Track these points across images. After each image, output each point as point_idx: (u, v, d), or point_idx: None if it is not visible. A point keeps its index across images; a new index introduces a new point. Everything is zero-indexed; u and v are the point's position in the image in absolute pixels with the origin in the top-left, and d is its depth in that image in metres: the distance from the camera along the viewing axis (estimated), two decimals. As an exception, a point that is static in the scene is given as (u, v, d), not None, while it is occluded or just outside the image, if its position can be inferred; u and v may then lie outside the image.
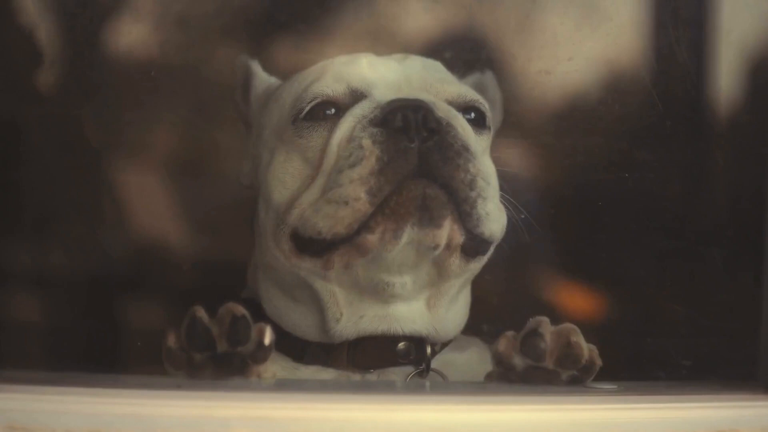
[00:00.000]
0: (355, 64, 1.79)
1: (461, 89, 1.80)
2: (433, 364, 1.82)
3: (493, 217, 1.72)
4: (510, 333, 1.73)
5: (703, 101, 2.02)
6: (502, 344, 1.72)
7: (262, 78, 1.93)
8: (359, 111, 1.73)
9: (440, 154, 1.68)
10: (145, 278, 2.07)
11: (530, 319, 1.72)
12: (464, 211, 1.69)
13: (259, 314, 1.80)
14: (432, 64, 1.84)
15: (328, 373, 1.81)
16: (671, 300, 2.02)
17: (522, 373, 1.72)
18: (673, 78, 1.99)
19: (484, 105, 1.81)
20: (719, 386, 1.76)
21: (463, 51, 1.99)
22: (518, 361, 1.71)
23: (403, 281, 1.76)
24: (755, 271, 1.80)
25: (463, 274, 1.80)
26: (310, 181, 1.75)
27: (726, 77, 1.99)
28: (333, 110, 1.75)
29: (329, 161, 1.73)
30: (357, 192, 1.67)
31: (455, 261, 1.75)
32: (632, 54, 2.03)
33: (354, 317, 1.78)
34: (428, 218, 1.68)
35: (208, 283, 2.05)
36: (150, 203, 2.07)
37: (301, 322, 1.81)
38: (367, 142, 1.68)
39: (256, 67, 1.94)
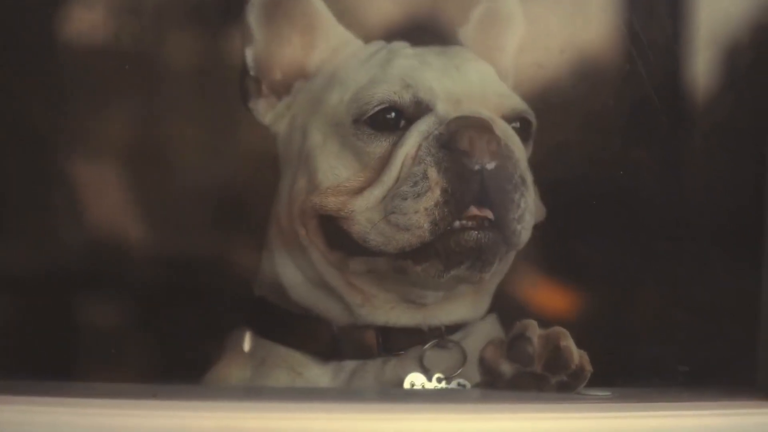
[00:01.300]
0: (421, 71, 1.78)
1: (514, 102, 1.80)
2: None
3: (528, 232, 1.75)
4: (496, 339, 1.72)
5: (686, 93, 1.99)
6: (489, 351, 1.71)
7: (334, 26, 1.88)
8: (425, 127, 1.73)
9: (499, 183, 1.70)
10: (103, 275, 2.02)
11: (517, 323, 1.71)
12: (511, 242, 1.72)
13: (286, 301, 1.82)
14: (486, 70, 1.84)
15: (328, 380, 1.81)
16: (667, 303, 1.98)
17: (510, 380, 1.70)
18: (663, 70, 1.95)
19: (532, 115, 1.82)
20: (717, 393, 1.73)
21: (428, 40, 1.92)
22: (506, 368, 1.69)
23: (436, 296, 1.79)
24: (754, 274, 1.77)
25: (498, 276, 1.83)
26: (365, 184, 1.75)
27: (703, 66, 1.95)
28: (393, 114, 1.74)
29: (391, 175, 1.72)
30: (421, 222, 1.68)
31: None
32: (618, 46, 1.97)
33: (384, 305, 1.79)
34: (480, 266, 1.71)
35: (172, 279, 2.01)
36: (106, 196, 2.02)
37: (325, 305, 1.81)
38: (432, 172, 1.69)
39: (328, 15, 1.88)
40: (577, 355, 1.67)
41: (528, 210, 1.72)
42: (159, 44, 2.03)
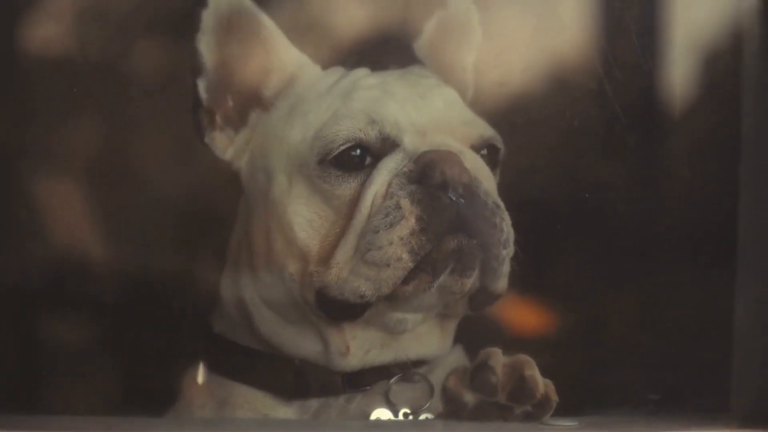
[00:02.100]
0: (385, 103, 1.74)
1: (481, 129, 1.77)
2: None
3: (507, 273, 1.72)
4: (460, 367, 1.68)
5: (661, 108, 1.95)
6: (452, 380, 1.67)
7: (288, 49, 1.82)
8: (393, 164, 1.70)
9: (477, 212, 1.67)
10: (65, 293, 1.96)
11: (481, 352, 1.67)
12: (491, 267, 1.69)
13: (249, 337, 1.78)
14: (450, 96, 1.80)
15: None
16: (637, 328, 1.94)
17: (474, 410, 1.66)
18: (632, 86, 1.91)
19: (500, 141, 1.78)
20: (690, 419, 1.71)
21: (399, 52, 1.89)
22: (469, 398, 1.66)
23: (416, 318, 1.75)
24: (728, 296, 1.75)
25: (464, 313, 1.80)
26: (340, 232, 1.70)
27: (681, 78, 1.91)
28: (359, 152, 1.70)
29: (361, 216, 1.68)
30: (398, 253, 1.65)
31: (461, 307, 1.75)
32: (588, 60, 1.94)
33: (360, 351, 1.76)
34: (461, 268, 1.67)
35: (135, 297, 1.95)
36: (69, 212, 1.96)
37: (299, 345, 1.77)
38: (405, 202, 1.66)
39: (281, 38, 1.82)
40: (542, 385, 1.63)
41: (511, 236, 1.70)
42: (123, 55, 1.98)
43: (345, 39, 1.94)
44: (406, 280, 1.66)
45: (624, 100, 1.90)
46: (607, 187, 1.92)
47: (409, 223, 1.65)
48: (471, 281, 1.68)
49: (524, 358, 1.64)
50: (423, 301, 1.70)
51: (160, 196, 1.95)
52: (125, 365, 1.96)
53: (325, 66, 1.83)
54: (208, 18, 1.76)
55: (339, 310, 1.71)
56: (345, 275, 1.68)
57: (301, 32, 1.87)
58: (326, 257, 1.70)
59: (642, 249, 1.92)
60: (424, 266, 1.65)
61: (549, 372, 1.66)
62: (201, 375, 1.81)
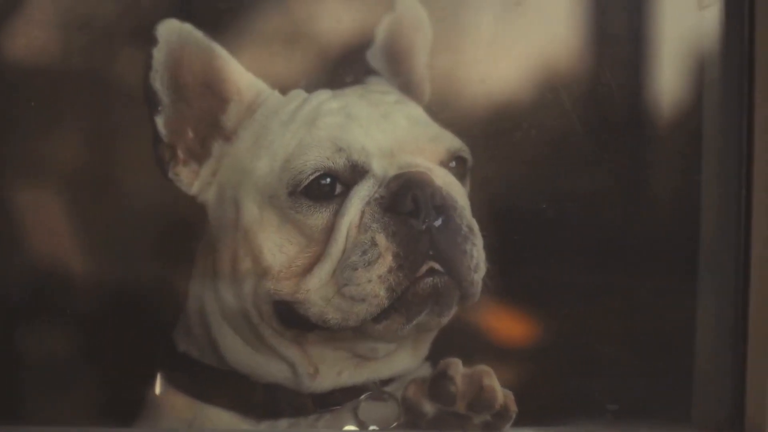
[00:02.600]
0: (350, 129, 1.73)
1: (448, 142, 1.76)
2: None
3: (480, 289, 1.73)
4: (419, 377, 1.69)
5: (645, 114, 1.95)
6: (411, 390, 1.68)
7: (244, 75, 1.80)
8: (365, 192, 1.68)
9: (448, 238, 1.67)
10: (45, 305, 1.91)
11: (441, 361, 1.69)
12: (470, 294, 1.69)
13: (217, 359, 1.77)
14: (413, 112, 1.79)
15: None
16: (597, 338, 1.92)
17: (433, 420, 1.67)
18: (616, 89, 1.90)
19: (467, 152, 1.77)
20: (649, 429, 1.74)
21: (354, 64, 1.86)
22: (428, 408, 1.67)
23: (388, 348, 1.75)
24: (688, 306, 1.77)
25: None
26: (313, 259, 1.69)
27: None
28: (329, 180, 1.69)
29: (338, 247, 1.67)
30: (376, 290, 1.65)
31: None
32: (572, 61, 1.94)
33: (332, 373, 1.75)
34: (438, 311, 1.67)
35: (116, 308, 1.90)
36: (50, 222, 1.91)
37: (267, 370, 1.76)
38: (380, 238, 1.65)
39: (235, 66, 1.80)
40: (501, 395, 1.64)
41: (481, 259, 1.69)
42: (107, 63, 1.93)
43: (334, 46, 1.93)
44: (378, 319, 1.66)
45: (584, 109, 1.90)
46: (568, 197, 1.92)
47: (386, 261, 1.64)
48: (449, 318, 1.69)
49: (483, 368, 1.65)
50: (398, 336, 1.70)
51: (141, 206, 1.90)
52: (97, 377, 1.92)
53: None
54: (159, 54, 1.75)
55: (295, 320, 1.70)
56: (314, 300, 1.68)
57: (288, 40, 1.87)
58: (290, 278, 1.70)
59: (602, 258, 1.91)
60: (399, 307, 1.66)
61: (509, 384, 1.67)
62: (158, 386, 1.80)
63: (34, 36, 1.88)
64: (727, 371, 1.75)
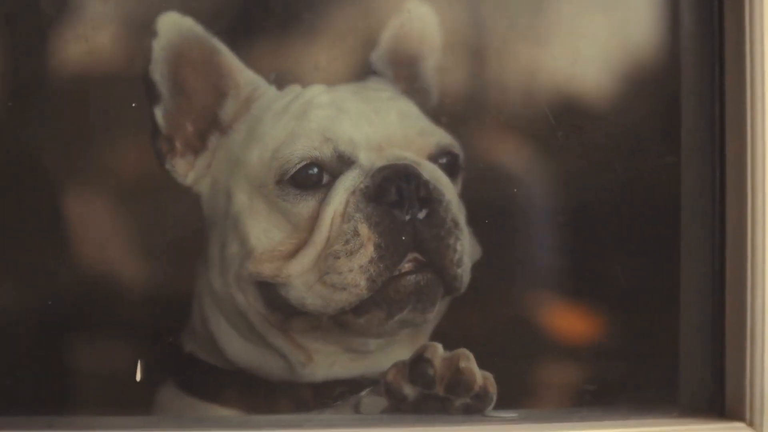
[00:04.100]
0: (339, 121, 1.76)
1: (438, 137, 1.79)
2: None
3: (468, 275, 1.75)
4: (399, 362, 1.70)
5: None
6: (391, 374, 1.69)
7: (242, 71, 1.83)
8: (350, 182, 1.71)
9: (432, 231, 1.69)
10: (93, 314, 1.92)
11: (420, 345, 1.71)
12: (454, 287, 1.72)
13: (220, 357, 1.80)
14: (405, 107, 1.82)
15: None
16: (582, 321, 1.93)
17: (414, 403, 1.68)
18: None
19: (458, 148, 1.80)
20: (631, 410, 1.73)
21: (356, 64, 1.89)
22: (409, 391, 1.68)
23: (379, 343, 1.77)
24: (664, 287, 1.78)
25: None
26: (298, 245, 1.73)
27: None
28: (316, 170, 1.73)
29: (321, 235, 1.71)
30: (357, 280, 1.68)
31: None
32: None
33: (325, 363, 1.78)
34: (421, 308, 1.71)
35: (159, 317, 1.91)
36: (98, 230, 1.94)
37: (264, 363, 1.79)
38: (363, 228, 1.68)
39: (234, 61, 1.83)
40: (480, 377, 1.66)
41: (465, 253, 1.72)
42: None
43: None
44: (358, 313, 1.70)
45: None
46: (537, 180, 1.93)
47: (367, 251, 1.67)
48: (433, 314, 1.73)
49: (462, 351, 1.66)
50: (382, 331, 1.74)
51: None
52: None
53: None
54: (158, 47, 1.78)
55: (278, 302, 1.73)
56: (295, 284, 1.71)
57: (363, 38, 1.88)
58: (272, 261, 1.73)
59: (580, 239, 1.92)
60: (380, 302, 1.69)
61: (489, 366, 1.68)
62: (138, 373, 1.81)
63: (88, 40, 1.88)
64: (707, 352, 1.75)
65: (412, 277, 1.68)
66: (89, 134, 1.91)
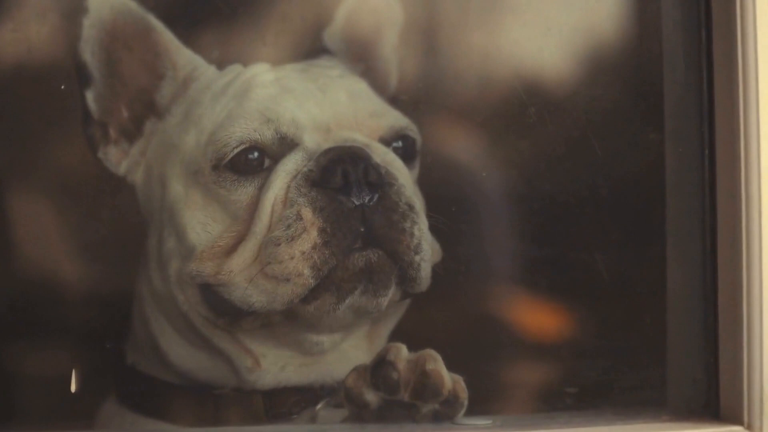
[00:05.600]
0: (282, 100, 1.68)
1: (391, 119, 1.72)
2: None
3: (428, 271, 1.68)
4: (360, 365, 1.60)
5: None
6: (351, 378, 1.59)
7: (180, 50, 1.76)
8: (292, 165, 1.65)
9: (385, 216, 1.63)
10: (28, 317, 1.86)
11: (382, 347, 1.61)
12: (409, 276, 1.64)
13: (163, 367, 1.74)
14: (355, 87, 1.75)
15: None
16: (562, 319, 1.90)
17: (378, 411, 1.59)
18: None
19: (414, 131, 1.73)
20: (615, 414, 1.68)
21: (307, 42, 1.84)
22: (371, 397, 1.58)
23: (333, 339, 1.71)
24: (649, 278, 1.72)
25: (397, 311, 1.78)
26: (237, 239, 1.66)
27: None
28: (256, 154, 1.65)
29: (262, 224, 1.64)
30: (299, 268, 1.60)
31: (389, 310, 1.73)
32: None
33: (273, 367, 1.71)
34: (373, 289, 1.63)
35: (97, 319, 1.86)
36: (38, 230, 1.88)
37: (208, 368, 1.72)
38: (306, 212, 1.61)
39: (171, 40, 1.75)
40: (449, 380, 1.56)
41: (424, 238, 1.64)
42: None
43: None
44: (307, 299, 1.61)
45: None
46: (507, 163, 1.88)
47: (311, 237, 1.60)
48: (388, 299, 1.64)
49: (428, 352, 1.57)
50: (335, 322, 1.66)
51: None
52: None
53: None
54: (89, 25, 1.70)
55: (223, 307, 1.65)
56: (237, 281, 1.63)
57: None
58: (212, 258, 1.65)
59: (560, 236, 1.87)
60: (328, 285, 1.60)
61: (459, 367, 1.59)
62: (73, 383, 1.75)
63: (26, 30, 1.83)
64: (694, 353, 1.69)
65: (363, 254, 1.60)
66: (20, 126, 1.85)
